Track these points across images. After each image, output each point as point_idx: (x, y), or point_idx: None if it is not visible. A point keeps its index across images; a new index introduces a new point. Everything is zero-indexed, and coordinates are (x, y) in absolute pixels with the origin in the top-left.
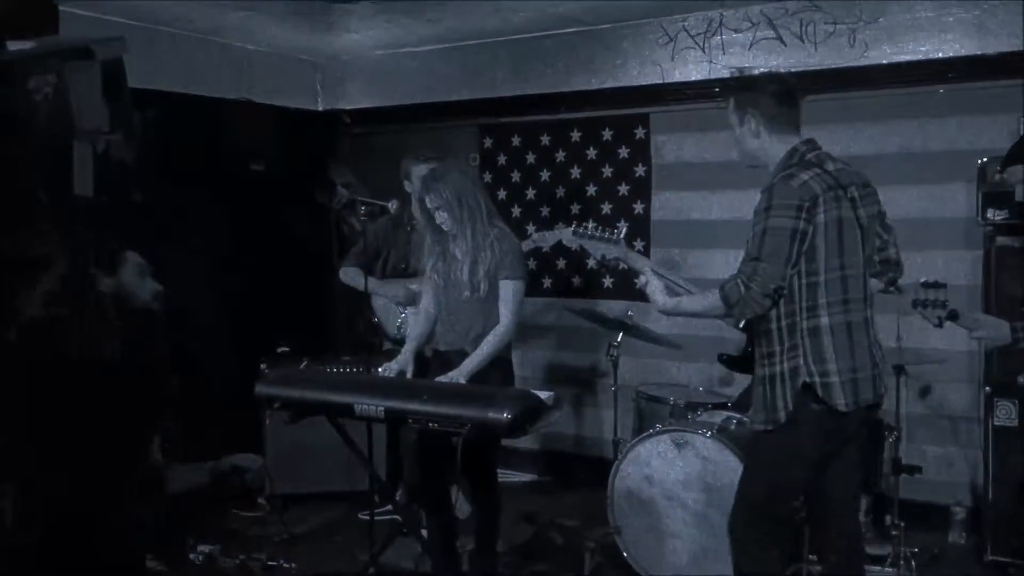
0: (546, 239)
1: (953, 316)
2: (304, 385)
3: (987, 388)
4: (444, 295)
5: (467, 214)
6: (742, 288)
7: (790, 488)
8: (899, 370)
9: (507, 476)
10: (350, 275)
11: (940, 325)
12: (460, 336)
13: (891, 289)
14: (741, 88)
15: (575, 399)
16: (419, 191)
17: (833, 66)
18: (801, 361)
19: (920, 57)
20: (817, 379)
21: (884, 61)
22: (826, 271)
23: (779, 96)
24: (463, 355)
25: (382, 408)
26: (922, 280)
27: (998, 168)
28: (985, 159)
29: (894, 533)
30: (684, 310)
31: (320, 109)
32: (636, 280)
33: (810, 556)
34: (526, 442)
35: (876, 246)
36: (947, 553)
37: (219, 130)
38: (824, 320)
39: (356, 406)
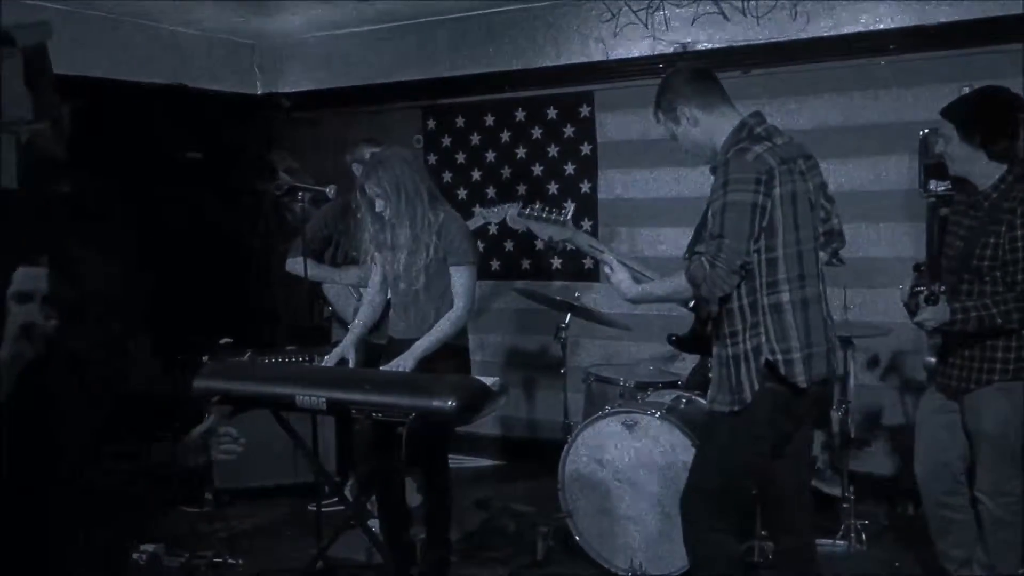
0: (493, 214)
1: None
2: (243, 378)
3: (930, 359)
4: (392, 284)
5: (405, 202)
6: (707, 267)
7: (747, 470)
8: (847, 342)
9: (462, 462)
10: (296, 265)
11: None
12: (413, 326)
13: (834, 261)
14: (660, 96)
15: (529, 383)
16: (360, 177)
17: (775, 40)
18: (763, 339)
19: (861, 29)
20: (779, 356)
21: (826, 34)
22: (783, 246)
23: (696, 77)
24: None
25: (324, 399)
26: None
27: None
28: (926, 130)
29: (844, 505)
30: (652, 296)
31: (259, 93)
32: (584, 261)
33: (762, 533)
34: (481, 427)
35: (821, 218)
36: (896, 524)
37: (153, 118)
38: (785, 296)
39: (298, 398)
